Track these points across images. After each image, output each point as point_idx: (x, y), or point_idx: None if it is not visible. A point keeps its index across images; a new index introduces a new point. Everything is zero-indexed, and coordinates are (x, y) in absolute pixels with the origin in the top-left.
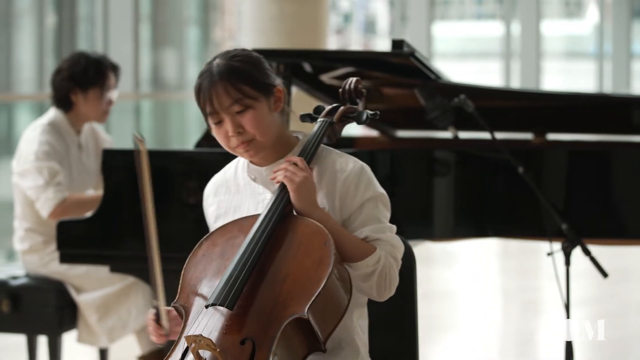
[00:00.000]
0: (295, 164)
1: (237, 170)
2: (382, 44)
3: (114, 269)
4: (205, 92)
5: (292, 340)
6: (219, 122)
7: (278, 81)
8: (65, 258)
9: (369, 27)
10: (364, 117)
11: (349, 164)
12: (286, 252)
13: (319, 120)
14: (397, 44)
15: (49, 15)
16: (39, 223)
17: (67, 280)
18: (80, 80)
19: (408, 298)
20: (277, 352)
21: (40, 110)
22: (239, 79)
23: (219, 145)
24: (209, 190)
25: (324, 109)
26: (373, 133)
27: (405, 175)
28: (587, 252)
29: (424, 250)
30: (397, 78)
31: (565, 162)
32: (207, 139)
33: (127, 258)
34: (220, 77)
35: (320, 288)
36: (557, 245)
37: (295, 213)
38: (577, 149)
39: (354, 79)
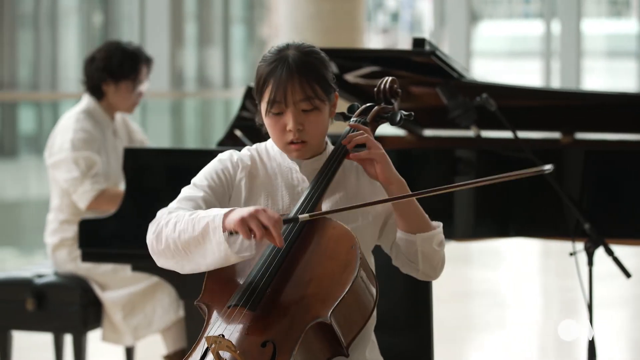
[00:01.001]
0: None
1: (269, 153)
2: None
3: (136, 268)
4: (280, 80)
5: (313, 344)
6: (280, 114)
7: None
8: (87, 257)
9: (415, 26)
10: (398, 117)
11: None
12: (312, 255)
13: (351, 119)
14: (419, 42)
15: (94, 14)
16: (76, 214)
17: (93, 278)
18: (114, 72)
19: (423, 299)
20: (298, 356)
21: None
22: (315, 78)
23: (241, 145)
24: (245, 157)
25: (358, 107)
26: (400, 132)
27: (426, 175)
28: (609, 252)
29: (463, 250)
30: (420, 77)
31: (587, 162)
32: (229, 137)
33: (149, 257)
34: (299, 70)
35: (345, 293)
36: (579, 245)
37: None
38: (598, 148)
39: (390, 78)
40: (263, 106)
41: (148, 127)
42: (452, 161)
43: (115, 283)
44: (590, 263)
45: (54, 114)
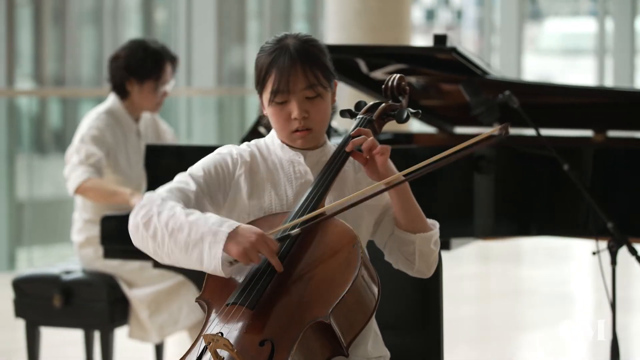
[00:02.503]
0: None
1: (269, 147)
2: (495, 41)
3: (157, 265)
4: (282, 69)
5: (313, 344)
6: (284, 102)
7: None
8: (109, 253)
9: (481, 23)
10: (405, 115)
11: None
12: (313, 253)
13: (358, 116)
14: (440, 39)
15: (156, 10)
16: (98, 213)
17: (120, 275)
18: (137, 71)
19: (434, 299)
20: (297, 355)
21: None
22: (317, 65)
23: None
24: (244, 153)
25: (365, 104)
26: (431, 130)
27: (446, 172)
28: (633, 252)
29: (511, 248)
30: (445, 74)
31: (611, 160)
32: (253, 133)
33: None
34: (301, 58)
35: (345, 292)
36: (602, 244)
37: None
38: (622, 146)
39: (397, 75)
40: (265, 97)
41: (217, 125)
42: (473, 159)
43: (141, 281)
44: (613, 262)
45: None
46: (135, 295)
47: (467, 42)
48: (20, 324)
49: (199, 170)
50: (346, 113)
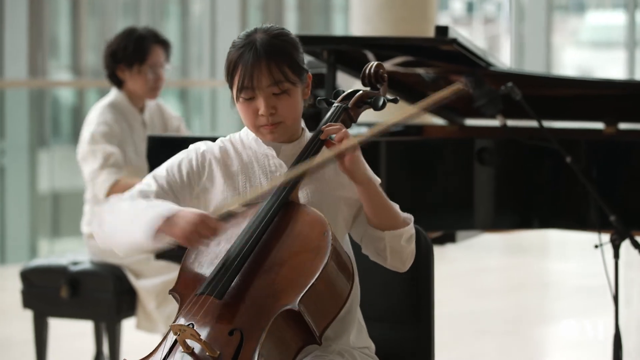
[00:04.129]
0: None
1: (243, 141)
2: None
3: (159, 256)
4: (247, 66)
5: (284, 333)
6: (251, 99)
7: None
8: None
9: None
10: (381, 102)
11: None
12: (284, 242)
13: (334, 105)
14: (441, 30)
15: (194, 2)
16: None
17: (127, 266)
18: (123, 56)
19: (425, 293)
20: (267, 344)
21: (182, 96)
22: (283, 61)
23: None
24: (214, 148)
25: (342, 93)
26: (441, 122)
27: (446, 164)
28: (636, 245)
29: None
30: (450, 66)
31: (614, 152)
32: None
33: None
34: (266, 54)
35: (314, 279)
36: (605, 237)
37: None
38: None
39: (375, 63)
40: (234, 92)
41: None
42: (475, 151)
43: (149, 272)
44: (616, 255)
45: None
46: (143, 286)
47: (505, 35)
48: (29, 314)
49: (162, 171)
50: (322, 102)
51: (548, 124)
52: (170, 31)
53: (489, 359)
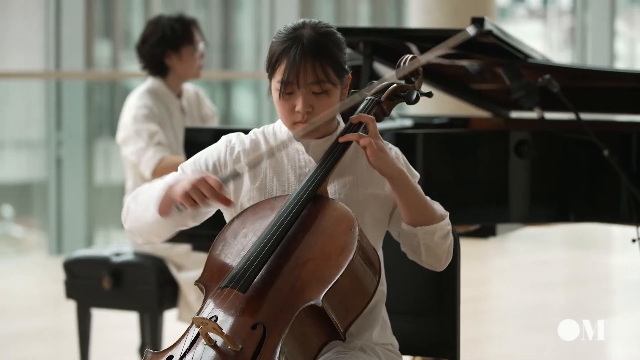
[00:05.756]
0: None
1: (276, 134)
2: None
3: (196, 248)
4: (292, 61)
5: (307, 328)
6: (290, 94)
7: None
8: None
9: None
10: (414, 96)
11: (388, 144)
12: (311, 236)
13: (366, 98)
14: (477, 21)
15: None
16: None
17: (169, 258)
18: (171, 41)
19: (450, 285)
20: (290, 339)
21: (256, 88)
22: (328, 61)
23: None
24: (245, 140)
25: (376, 85)
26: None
27: (482, 157)
28: None
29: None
30: (488, 58)
31: None
32: None
33: (208, 236)
34: (312, 53)
35: (339, 276)
36: None
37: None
38: None
39: (410, 56)
40: (274, 84)
41: None
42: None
43: (190, 264)
44: None
45: (227, 94)
46: (184, 278)
47: (553, 28)
48: (72, 305)
49: (190, 161)
50: (356, 93)
51: (586, 116)
52: (242, 23)
53: (545, 352)
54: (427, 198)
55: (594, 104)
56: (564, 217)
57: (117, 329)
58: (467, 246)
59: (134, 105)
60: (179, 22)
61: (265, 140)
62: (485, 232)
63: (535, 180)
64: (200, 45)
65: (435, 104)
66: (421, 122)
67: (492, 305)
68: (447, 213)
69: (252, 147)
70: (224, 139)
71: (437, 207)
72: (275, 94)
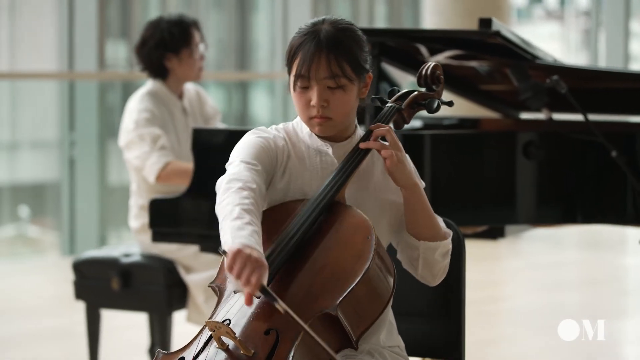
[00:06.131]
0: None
1: (298, 134)
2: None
3: (204, 249)
4: (308, 55)
5: (321, 335)
6: (306, 88)
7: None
8: (157, 237)
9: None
10: (435, 105)
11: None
12: (327, 243)
13: (387, 105)
14: (485, 22)
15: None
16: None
17: (177, 260)
18: (169, 44)
19: (455, 288)
20: (302, 346)
21: (272, 89)
22: (344, 56)
23: None
24: (278, 139)
25: (397, 92)
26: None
27: (489, 158)
28: None
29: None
30: (498, 60)
31: None
32: None
33: (216, 237)
34: (327, 46)
35: (354, 284)
36: None
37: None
38: None
39: (432, 63)
40: (291, 78)
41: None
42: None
43: (198, 265)
44: None
45: (243, 94)
46: (192, 279)
47: (571, 29)
48: (81, 306)
49: (251, 158)
50: (377, 100)
51: (594, 117)
52: (258, 24)
53: (559, 353)
54: (433, 213)
55: (604, 104)
56: (571, 219)
57: (126, 329)
58: (478, 247)
59: (135, 108)
60: (178, 25)
61: (289, 140)
62: (494, 233)
63: (542, 181)
64: (201, 47)
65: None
66: (431, 124)
67: (505, 306)
68: (451, 232)
69: (283, 145)
70: (264, 134)
71: (441, 223)
72: (292, 88)
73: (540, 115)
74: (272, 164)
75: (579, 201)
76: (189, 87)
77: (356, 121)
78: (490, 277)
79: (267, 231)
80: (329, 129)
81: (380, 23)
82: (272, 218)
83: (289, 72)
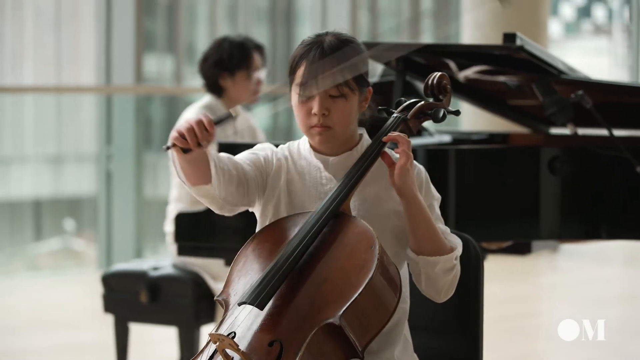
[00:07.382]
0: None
1: (300, 151)
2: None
3: (229, 263)
4: (311, 63)
5: (325, 346)
6: (309, 97)
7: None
8: (182, 251)
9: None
10: (441, 114)
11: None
12: (331, 253)
13: (393, 115)
14: (509, 37)
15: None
16: (193, 203)
17: (204, 268)
18: (227, 64)
19: (474, 302)
20: (307, 357)
21: None
22: (347, 65)
23: None
24: (279, 154)
25: (404, 102)
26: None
27: (512, 172)
28: None
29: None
30: (523, 74)
31: None
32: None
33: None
34: (331, 55)
35: (357, 294)
36: None
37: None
38: None
39: (439, 73)
40: (294, 88)
41: None
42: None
43: (225, 273)
44: None
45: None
46: (220, 288)
47: (618, 44)
48: (110, 319)
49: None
50: (383, 111)
51: (619, 132)
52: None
53: None
54: (440, 228)
55: (630, 119)
56: (596, 234)
57: (156, 343)
58: (510, 263)
59: (190, 118)
60: (239, 47)
61: (291, 157)
62: (521, 248)
63: (567, 196)
64: (260, 73)
65: (480, 120)
66: (459, 138)
67: (540, 321)
68: (458, 247)
69: (283, 162)
70: (267, 145)
71: (452, 238)
72: (294, 98)
73: (566, 131)
74: (261, 173)
75: (603, 217)
76: (246, 115)
77: (364, 131)
78: (525, 293)
79: (273, 242)
80: (328, 138)
81: (423, 38)
82: (277, 229)
83: (291, 82)
